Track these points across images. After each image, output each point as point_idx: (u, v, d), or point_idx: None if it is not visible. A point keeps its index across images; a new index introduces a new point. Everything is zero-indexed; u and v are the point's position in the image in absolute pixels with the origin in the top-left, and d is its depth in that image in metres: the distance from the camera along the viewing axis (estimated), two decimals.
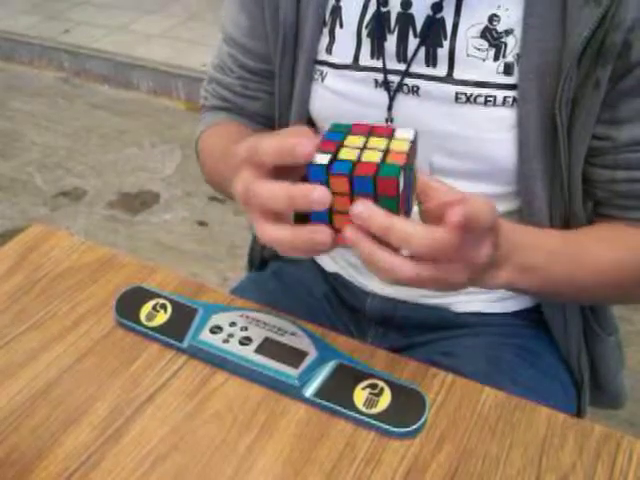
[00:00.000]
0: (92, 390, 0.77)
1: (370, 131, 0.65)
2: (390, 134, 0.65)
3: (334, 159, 0.62)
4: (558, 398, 0.96)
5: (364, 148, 0.63)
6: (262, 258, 1.17)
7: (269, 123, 1.02)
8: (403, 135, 0.65)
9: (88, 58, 3.85)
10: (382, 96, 0.87)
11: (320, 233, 0.61)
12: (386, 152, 0.62)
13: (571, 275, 0.81)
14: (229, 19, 1.01)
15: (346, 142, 0.64)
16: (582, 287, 0.84)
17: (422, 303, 0.99)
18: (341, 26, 0.89)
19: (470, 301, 0.99)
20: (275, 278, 1.10)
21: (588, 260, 0.82)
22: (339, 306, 1.07)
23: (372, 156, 0.62)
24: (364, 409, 0.73)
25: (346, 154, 0.62)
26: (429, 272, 0.61)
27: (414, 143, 0.65)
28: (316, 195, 0.59)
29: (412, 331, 1.02)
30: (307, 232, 0.62)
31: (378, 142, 0.64)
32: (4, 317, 0.86)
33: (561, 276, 0.81)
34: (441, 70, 0.83)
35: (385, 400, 0.73)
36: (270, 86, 0.99)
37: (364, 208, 0.59)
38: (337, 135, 0.65)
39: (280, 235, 0.63)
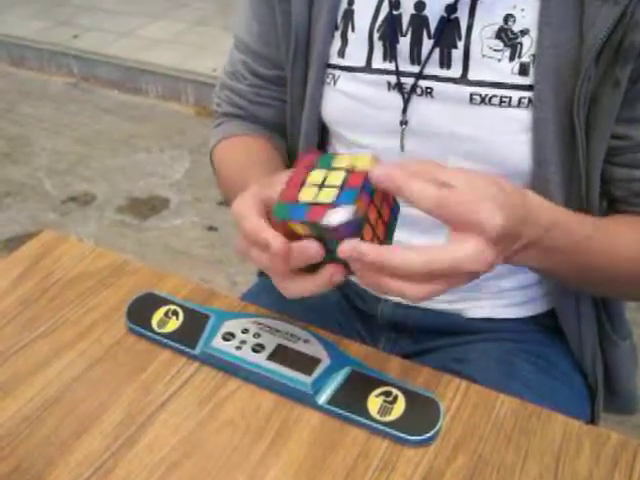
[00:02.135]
0: (104, 397, 0.77)
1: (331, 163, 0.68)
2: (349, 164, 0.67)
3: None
4: (572, 404, 0.95)
5: (322, 186, 0.66)
6: None
7: (282, 130, 1.02)
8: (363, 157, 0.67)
9: (97, 63, 3.86)
10: (395, 99, 0.87)
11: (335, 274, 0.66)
12: (343, 185, 0.65)
13: (598, 261, 0.80)
14: (241, 25, 1.01)
15: (307, 180, 0.67)
16: (607, 275, 0.83)
17: (434, 309, 0.98)
18: (353, 29, 0.88)
19: (482, 306, 0.98)
20: None
21: (615, 247, 0.81)
22: (351, 312, 1.07)
23: (327, 194, 0.64)
24: (378, 417, 0.72)
25: (306, 194, 0.65)
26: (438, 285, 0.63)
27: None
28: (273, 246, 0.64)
29: (424, 337, 1.01)
30: (324, 277, 0.67)
31: (336, 177, 0.66)
32: (15, 324, 0.86)
33: (589, 261, 0.80)
34: (455, 71, 0.83)
35: (399, 408, 0.73)
36: (283, 93, 0.99)
37: (349, 250, 0.62)
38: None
39: (300, 290, 0.69)
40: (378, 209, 0.66)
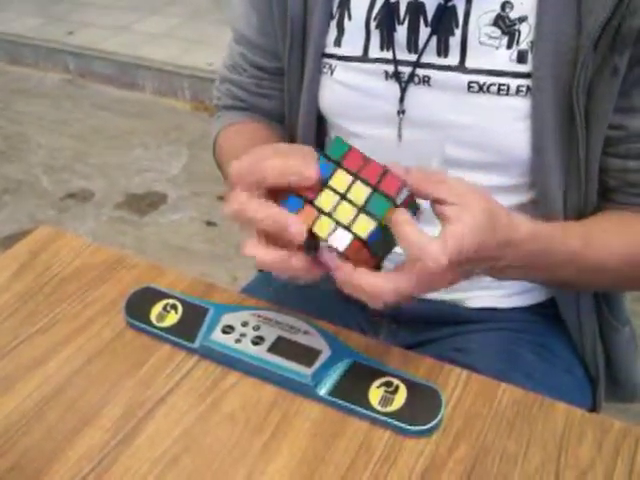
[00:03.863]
0: (103, 392, 0.77)
1: (359, 170, 0.66)
2: (378, 178, 0.65)
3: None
4: (573, 394, 0.95)
5: (344, 197, 0.65)
6: None
7: (284, 120, 1.02)
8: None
9: (93, 59, 3.85)
10: (393, 88, 0.86)
11: (294, 258, 0.66)
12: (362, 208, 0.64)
13: (587, 275, 0.82)
14: (239, 17, 1.00)
15: (331, 182, 0.66)
16: (597, 280, 0.86)
17: (434, 299, 0.98)
18: (349, 18, 0.88)
19: (483, 296, 0.98)
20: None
21: (605, 261, 0.82)
22: (350, 304, 1.06)
23: (346, 212, 0.64)
24: (379, 407, 0.72)
25: (325, 202, 0.65)
26: (411, 282, 0.65)
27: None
28: (292, 229, 0.63)
29: (424, 327, 1.01)
30: (283, 255, 0.66)
31: (359, 192, 0.65)
32: (13, 320, 0.86)
33: (577, 275, 0.82)
34: (453, 59, 0.82)
35: (401, 398, 0.73)
36: (283, 84, 0.98)
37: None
38: (328, 167, 0.66)
39: (261, 256, 0.67)
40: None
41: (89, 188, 2.96)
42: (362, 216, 0.64)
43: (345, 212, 0.64)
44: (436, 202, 0.65)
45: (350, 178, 0.65)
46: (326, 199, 0.65)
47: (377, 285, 0.64)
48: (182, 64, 3.59)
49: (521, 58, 0.80)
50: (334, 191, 0.65)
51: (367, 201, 0.64)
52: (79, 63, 3.91)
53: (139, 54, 3.74)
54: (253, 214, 0.65)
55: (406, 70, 0.85)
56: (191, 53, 3.68)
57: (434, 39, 0.83)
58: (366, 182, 0.65)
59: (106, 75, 3.81)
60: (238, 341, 0.78)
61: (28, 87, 3.87)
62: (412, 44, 0.85)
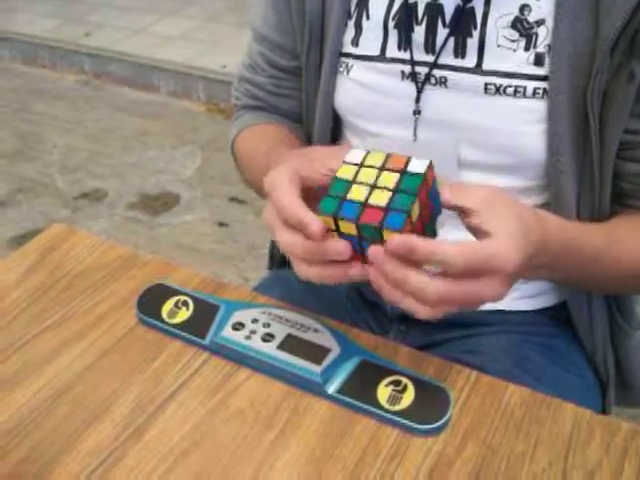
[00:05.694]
0: (114, 387, 0.77)
1: (384, 163, 0.66)
2: (403, 167, 0.66)
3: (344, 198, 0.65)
4: (583, 397, 0.94)
5: (374, 186, 0.65)
6: (283, 255, 1.16)
7: (302, 120, 1.02)
8: (415, 169, 0.65)
9: (109, 61, 3.87)
10: (409, 88, 0.87)
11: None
12: (395, 192, 0.64)
13: (611, 273, 0.83)
14: (258, 16, 1.01)
15: (358, 177, 0.66)
16: (618, 282, 0.86)
17: None
18: (367, 18, 0.88)
19: None
20: (296, 275, 1.09)
21: (627, 259, 0.82)
22: (361, 304, 1.07)
23: (380, 197, 0.64)
24: (388, 406, 0.72)
25: (356, 193, 0.65)
26: (462, 287, 0.64)
27: (426, 175, 0.65)
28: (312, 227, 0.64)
29: (434, 329, 1.01)
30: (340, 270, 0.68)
31: (389, 179, 0.65)
32: (26, 315, 0.86)
33: (601, 274, 0.82)
34: (470, 61, 0.83)
35: (409, 397, 0.73)
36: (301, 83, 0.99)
37: (399, 243, 0.62)
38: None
39: (314, 275, 0.70)
40: (421, 212, 0.66)
41: (103, 188, 2.98)
42: (399, 195, 0.64)
43: (380, 197, 0.64)
44: (462, 212, 0.66)
45: (376, 171, 0.66)
46: (358, 191, 0.65)
47: (425, 282, 0.63)
48: (197, 66, 3.60)
49: (538, 61, 0.80)
50: (363, 184, 0.66)
51: (398, 183, 0.65)
52: (95, 64, 3.93)
53: (155, 56, 3.76)
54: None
55: (423, 71, 0.86)
56: (206, 55, 3.70)
57: (452, 40, 0.83)
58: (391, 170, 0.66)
59: (122, 76, 3.83)
60: (248, 338, 0.79)
61: (44, 88, 3.89)
62: (429, 45, 0.85)
